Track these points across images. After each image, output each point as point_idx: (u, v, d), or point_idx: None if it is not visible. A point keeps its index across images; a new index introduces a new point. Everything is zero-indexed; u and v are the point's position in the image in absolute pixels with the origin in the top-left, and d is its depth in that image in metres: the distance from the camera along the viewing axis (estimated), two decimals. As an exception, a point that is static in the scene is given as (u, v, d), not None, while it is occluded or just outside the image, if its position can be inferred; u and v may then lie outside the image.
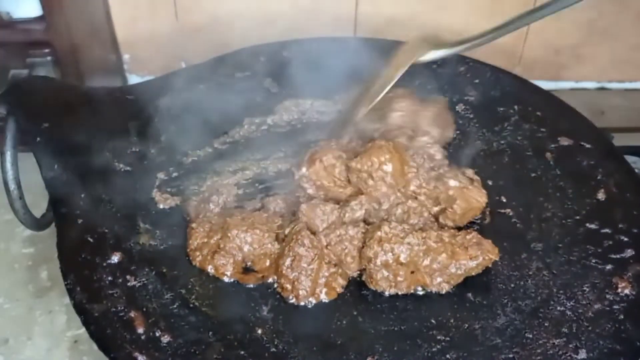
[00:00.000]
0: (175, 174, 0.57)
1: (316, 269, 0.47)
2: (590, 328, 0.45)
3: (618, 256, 0.50)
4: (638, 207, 0.53)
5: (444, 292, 0.48)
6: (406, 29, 0.79)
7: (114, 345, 0.43)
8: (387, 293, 0.48)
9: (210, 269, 0.49)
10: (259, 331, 0.45)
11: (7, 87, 0.58)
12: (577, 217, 0.53)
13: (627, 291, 0.47)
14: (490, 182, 0.56)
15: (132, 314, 0.45)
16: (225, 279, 0.49)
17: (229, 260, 0.49)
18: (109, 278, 0.47)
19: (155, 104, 0.62)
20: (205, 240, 0.50)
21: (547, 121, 0.61)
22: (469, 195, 0.51)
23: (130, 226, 0.51)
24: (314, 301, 0.47)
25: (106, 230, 0.50)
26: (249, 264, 0.50)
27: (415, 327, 0.46)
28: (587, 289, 0.48)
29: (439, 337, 0.45)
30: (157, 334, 0.44)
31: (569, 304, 0.47)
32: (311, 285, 0.47)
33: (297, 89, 0.65)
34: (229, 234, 0.50)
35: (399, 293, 0.48)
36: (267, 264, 0.50)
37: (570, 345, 0.44)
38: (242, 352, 0.44)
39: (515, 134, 0.61)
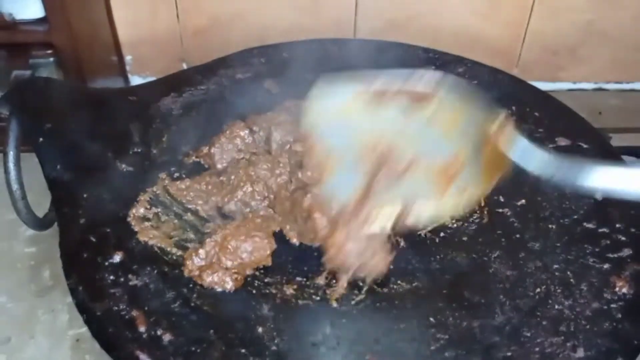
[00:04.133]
0: (177, 175, 0.58)
1: None
2: (588, 327, 0.45)
3: (616, 255, 0.50)
4: (635, 207, 0.53)
5: None
6: (405, 31, 0.79)
7: (116, 344, 0.44)
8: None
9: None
10: (260, 330, 0.46)
11: (10, 88, 0.58)
12: (575, 217, 0.53)
13: (624, 290, 0.47)
14: (489, 182, 0.57)
15: (134, 313, 0.45)
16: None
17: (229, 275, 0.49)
18: (111, 277, 0.47)
19: (157, 105, 0.62)
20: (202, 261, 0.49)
21: (544, 122, 0.62)
22: None
23: (132, 226, 0.52)
24: None
25: (108, 230, 0.50)
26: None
27: (415, 326, 0.46)
28: (585, 288, 0.48)
29: (437, 336, 0.45)
30: (159, 333, 0.44)
31: (566, 303, 0.47)
32: None
33: (297, 90, 0.65)
34: (229, 246, 0.49)
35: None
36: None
37: (568, 344, 0.44)
38: (243, 351, 0.44)
39: (513, 135, 0.61)
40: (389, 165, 0.48)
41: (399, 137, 0.48)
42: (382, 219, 0.48)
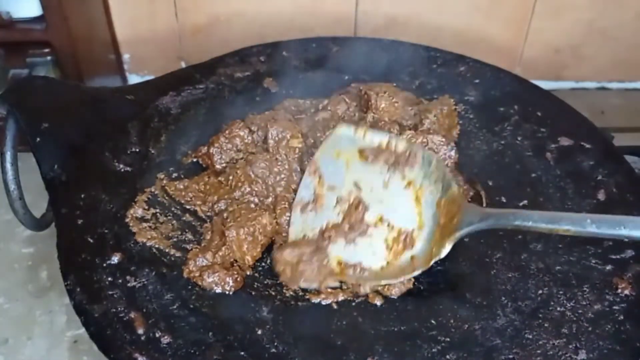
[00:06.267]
0: (175, 175, 0.57)
1: None
2: (590, 329, 0.45)
3: (618, 257, 0.49)
4: (638, 208, 0.53)
5: None
6: (406, 29, 0.79)
7: (113, 346, 0.43)
8: None
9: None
10: (259, 332, 0.45)
11: (7, 87, 0.58)
12: (577, 218, 0.53)
13: (627, 292, 0.47)
14: (490, 182, 0.56)
15: (132, 315, 0.45)
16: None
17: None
18: (109, 278, 0.47)
19: (155, 104, 0.62)
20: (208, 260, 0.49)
21: (547, 121, 0.61)
22: None
23: (130, 227, 0.51)
24: None
25: (106, 231, 0.50)
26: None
27: (415, 328, 0.46)
28: (587, 290, 0.48)
29: (439, 338, 0.45)
30: (157, 335, 0.44)
31: (568, 305, 0.47)
32: None
33: (297, 88, 0.65)
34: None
35: None
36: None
37: (570, 346, 0.44)
38: (242, 353, 0.44)
39: (515, 134, 0.61)
40: (352, 219, 0.51)
41: (374, 193, 0.51)
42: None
